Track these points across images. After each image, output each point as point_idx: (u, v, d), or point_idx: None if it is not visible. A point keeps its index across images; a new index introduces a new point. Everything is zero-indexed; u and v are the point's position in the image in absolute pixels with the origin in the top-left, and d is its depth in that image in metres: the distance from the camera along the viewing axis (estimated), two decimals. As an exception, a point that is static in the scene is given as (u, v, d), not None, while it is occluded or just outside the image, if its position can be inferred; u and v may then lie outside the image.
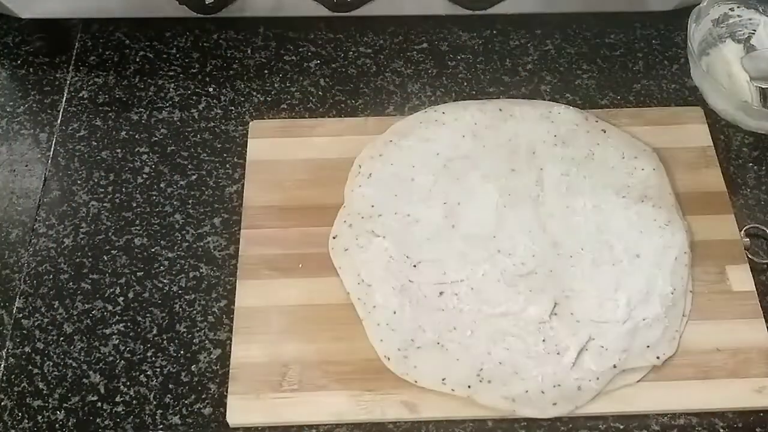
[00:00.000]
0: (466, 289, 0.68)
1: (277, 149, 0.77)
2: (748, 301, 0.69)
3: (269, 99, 0.82)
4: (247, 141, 0.78)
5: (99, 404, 0.66)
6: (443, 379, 0.65)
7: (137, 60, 0.85)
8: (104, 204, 0.75)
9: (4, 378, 0.67)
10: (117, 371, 0.67)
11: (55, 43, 0.86)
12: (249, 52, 0.86)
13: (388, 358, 0.66)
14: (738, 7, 0.82)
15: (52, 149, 0.79)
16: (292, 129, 0.79)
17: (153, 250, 0.73)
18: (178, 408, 0.66)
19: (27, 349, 0.68)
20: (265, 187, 0.75)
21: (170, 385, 0.66)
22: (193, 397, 0.66)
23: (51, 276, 0.72)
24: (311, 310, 0.68)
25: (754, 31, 0.82)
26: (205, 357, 0.68)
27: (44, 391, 0.66)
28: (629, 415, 0.65)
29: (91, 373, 0.67)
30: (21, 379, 0.67)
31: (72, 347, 0.68)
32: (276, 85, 0.83)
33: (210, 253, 0.73)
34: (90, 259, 0.72)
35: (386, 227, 0.71)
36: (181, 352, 0.68)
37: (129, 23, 0.87)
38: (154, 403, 0.66)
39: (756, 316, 0.68)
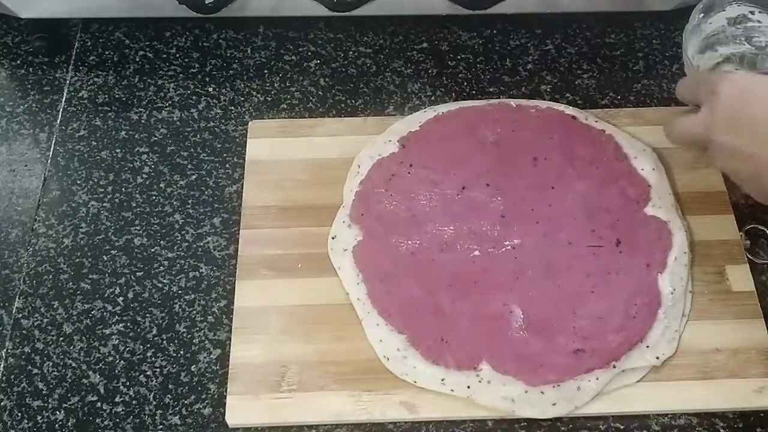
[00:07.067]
0: (466, 289, 0.68)
1: (277, 149, 0.77)
2: (748, 301, 0.69)
3: (269, 99, 0.82)
4: (246, 141, 0.78)
5: (99, 404, 0.66)
6: (442, 380, 0.65)
7: (137, 60, 0.85)
8: (104, 204, 0.75)
9: (4, 378, 0.67)
10: (117, 371, 0.67)
11: (54, 43, 0.86)
12: (249, 51, 0.85)
13: (388, 359, 0.66)
14: (760, 12, 0.78)
15: (52, 149, 0.79)
16: (292, 129, 0.79)
17: (153, 250, 0.73)
18: (177, 408, 0.66)
19: (27, 349, 0.68)
20: (264, 187, 0.75)
21: (170, 386, 0.67)
22: (192, 397, 0.66)
23: (50, 276, 0.72)
24: (310, 310, 0.68)
25: None
26: (204, 357, 0.68)
27: (44, 392, 0.66)
28: (629, 415, 0.65)
29: (90, 373, 0.67)
30: (21, 379, 0.67)
31: (72, 347, 0.68)
32: (276, 85, 0.83)
33: (209, 253, 0.73)
34: (89, 259, 0.72)
35: (386, 227, 0.71)
36: (181, 352, 0.68)
37: (129, 23, 0.87)
38: (154, 403, 0.66)
39: (756, 316, 0.68)
